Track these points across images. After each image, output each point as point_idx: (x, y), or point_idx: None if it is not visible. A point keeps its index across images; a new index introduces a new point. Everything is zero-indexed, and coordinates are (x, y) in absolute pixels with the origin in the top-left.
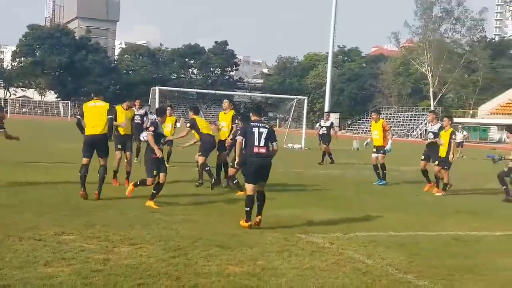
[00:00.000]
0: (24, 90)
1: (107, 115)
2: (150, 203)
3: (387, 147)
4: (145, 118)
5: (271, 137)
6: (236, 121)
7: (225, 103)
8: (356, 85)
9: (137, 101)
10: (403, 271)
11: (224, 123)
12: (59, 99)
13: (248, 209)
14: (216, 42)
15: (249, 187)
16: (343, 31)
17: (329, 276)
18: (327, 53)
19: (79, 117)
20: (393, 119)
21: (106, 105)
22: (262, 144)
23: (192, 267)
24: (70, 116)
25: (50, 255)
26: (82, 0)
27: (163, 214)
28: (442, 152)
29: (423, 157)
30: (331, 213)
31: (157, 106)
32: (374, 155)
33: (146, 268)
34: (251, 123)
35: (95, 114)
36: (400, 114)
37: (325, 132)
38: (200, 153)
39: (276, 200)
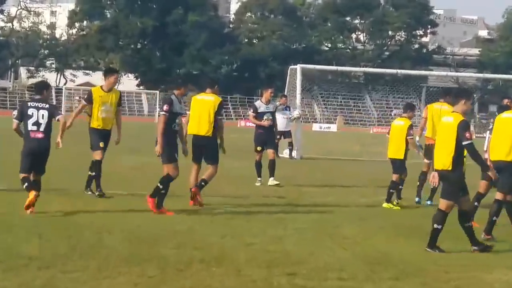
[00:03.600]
0: (87, 74)
1: (215, 114)
2: None
3: None
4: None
5: None
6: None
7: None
8: None
9: (269, 90)
10: None
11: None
12: (141, 87)
13: None
14: None
15: None
16: None
17: None
18: None
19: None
20: None
21: (215, 100)
22: None
23: None
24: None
25: None
26: None
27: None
28: None
29: None
30: None
31: (298, 93)
32: None
33: None
34: None
35: (201, 111)
36: None
37: None
38: None
39: None
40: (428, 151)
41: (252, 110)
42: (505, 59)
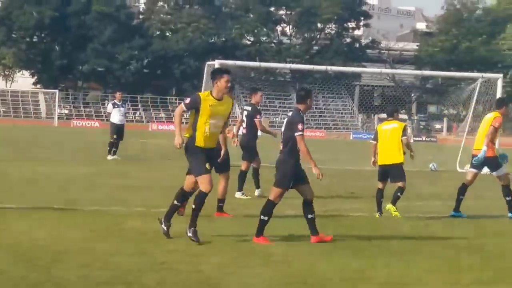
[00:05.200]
0: None
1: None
2: None
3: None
4: None
5: None
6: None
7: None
8: None
9: (259, 93)
10: None
11: None
12: (38, 86)
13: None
14: None
15: None
16: None
17: None
18: None
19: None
20: None
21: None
22: None
23: None
24: (67, 117)
25: None
26: None
27: None
28: None
29: None
30: None
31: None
32: None
33: None
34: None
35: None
36: None
37: None
38: None
39: None
40: None
41: (259, 116)
42: (445, 55)
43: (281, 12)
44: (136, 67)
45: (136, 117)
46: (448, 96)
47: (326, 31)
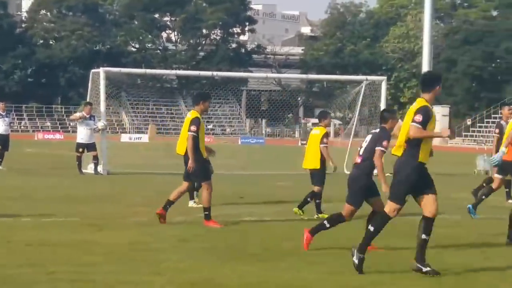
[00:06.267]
0: None
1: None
2: None
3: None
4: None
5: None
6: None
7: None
8: (479, 53)
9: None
10: None
11: None
12: None
13: None
14: None
15: None
16: None
17: None
18: None
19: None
20: None
21: (191, 115)
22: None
23: None
24: None
25: None
26: None
27: None
28: None
29: None
30: None
31: (102, 100)
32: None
33: None
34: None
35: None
36: None
37: None
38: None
39: None
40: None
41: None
42: (330, 58)
43: (166, 18)
44: (20, 76)
45: (22, 127)
46: (334, 99)
47: (212, 37)
